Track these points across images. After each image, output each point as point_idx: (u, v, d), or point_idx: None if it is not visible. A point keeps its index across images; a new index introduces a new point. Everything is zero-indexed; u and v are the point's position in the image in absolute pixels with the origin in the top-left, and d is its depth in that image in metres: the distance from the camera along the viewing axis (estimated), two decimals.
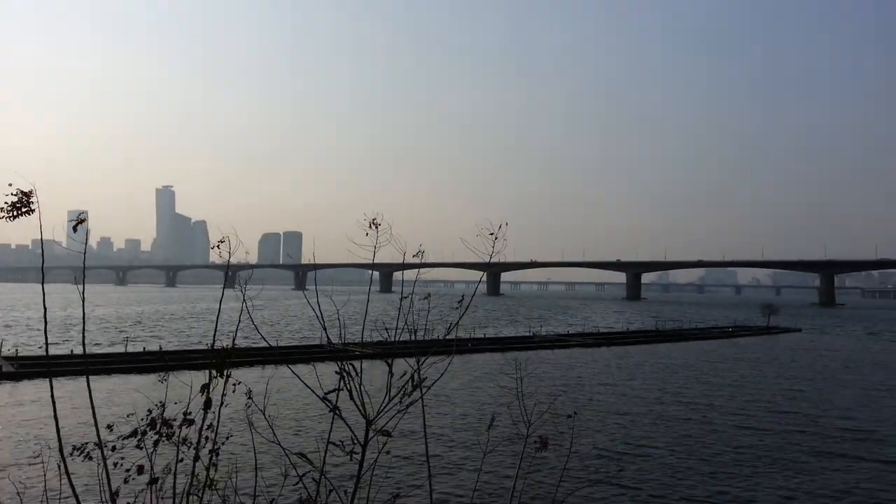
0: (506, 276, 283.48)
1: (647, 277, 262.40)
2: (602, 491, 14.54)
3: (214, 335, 4.59)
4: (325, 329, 4.59)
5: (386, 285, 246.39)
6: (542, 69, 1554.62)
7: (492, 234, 4.43)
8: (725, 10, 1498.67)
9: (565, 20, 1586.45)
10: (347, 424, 4.08)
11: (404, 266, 5.18)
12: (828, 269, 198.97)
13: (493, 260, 4.71)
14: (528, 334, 56.84)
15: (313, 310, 4.62)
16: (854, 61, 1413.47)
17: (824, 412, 24.46)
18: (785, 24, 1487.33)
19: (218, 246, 4.49)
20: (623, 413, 23.78)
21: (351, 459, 4.12)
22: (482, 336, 53.43)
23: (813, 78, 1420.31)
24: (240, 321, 4.54)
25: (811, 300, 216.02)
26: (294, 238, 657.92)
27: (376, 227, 4.54)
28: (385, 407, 4.20)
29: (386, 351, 4.70)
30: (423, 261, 5.08)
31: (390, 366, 4.35)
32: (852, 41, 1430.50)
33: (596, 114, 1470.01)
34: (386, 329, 5.15)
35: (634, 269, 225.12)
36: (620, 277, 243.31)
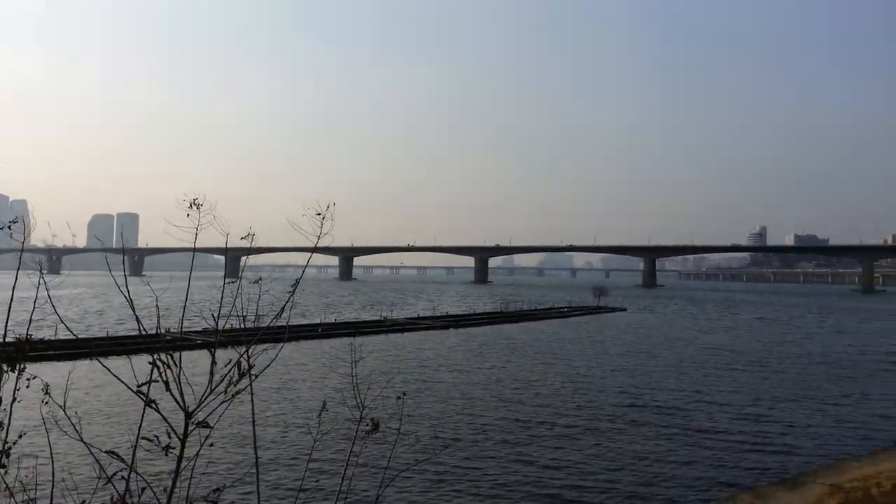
0: (358, 261, 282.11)
1: (493, 262, 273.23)
2: (425, 473, 14.77)
3: (6, 326, 4.07)
4: (137, 317, 4.27)
5: (232, 271, 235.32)
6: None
7: (319, 213, 4.33)
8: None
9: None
10: (164, 417, 3.81)
11: (228, 250, 4.95)
12: (650, 254, 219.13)
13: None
14: (378, 318, 57.08)
15: (125, 297, 4.26)
16: (659, 58, 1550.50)
17: (642, 386, 26.93)
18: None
19: (10, 226, 3.97)
20: (460, 394, 24.69)
21: (167, 455, 3.87)
22: (332, 321, 52.95)
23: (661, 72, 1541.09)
24: (33, 310, 4.10)
25: (636, 282, 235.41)
26: (130, 220, 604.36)
27: (198, 208, 4.25)
28: (206, 398, 3.98)
29: (210, 339, 4.48)
30: (253, 244, 4.88)
31: (213, 354, 4.14)
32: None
33: (453, 105, 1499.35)
34: (212, 316, 4.89)
35: (482, 254, 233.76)
36: (469, 262, 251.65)
